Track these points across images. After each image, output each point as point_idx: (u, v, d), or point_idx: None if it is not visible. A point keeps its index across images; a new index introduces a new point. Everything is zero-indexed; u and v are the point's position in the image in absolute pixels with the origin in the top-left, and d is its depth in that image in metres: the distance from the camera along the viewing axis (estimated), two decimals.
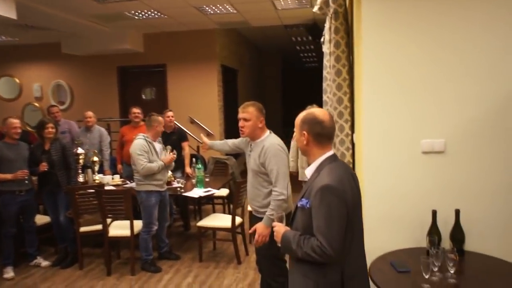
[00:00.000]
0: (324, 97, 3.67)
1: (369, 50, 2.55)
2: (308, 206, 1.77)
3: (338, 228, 1.70)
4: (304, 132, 1.83)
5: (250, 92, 10.80)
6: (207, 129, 7.72)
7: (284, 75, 13.75)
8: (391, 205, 2.55)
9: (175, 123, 5.62)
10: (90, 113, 5.51)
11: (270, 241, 2.00)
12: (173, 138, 5.24)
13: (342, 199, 1.71)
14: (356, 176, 1.88)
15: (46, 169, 4.12)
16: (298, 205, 1.85)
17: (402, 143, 2.53)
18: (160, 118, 4.19)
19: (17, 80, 8.51)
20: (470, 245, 2.34)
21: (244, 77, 10.02)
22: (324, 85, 3.65)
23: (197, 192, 4.45)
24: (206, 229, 4.38)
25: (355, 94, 3.14)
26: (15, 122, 4.11)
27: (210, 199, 5.60)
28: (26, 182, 4.12)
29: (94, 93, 8.15)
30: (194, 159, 5.41)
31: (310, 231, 1.76)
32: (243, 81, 9.83)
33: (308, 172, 1.88)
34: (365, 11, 2.52)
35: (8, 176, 3.95)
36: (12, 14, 4.66)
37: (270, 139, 2.88)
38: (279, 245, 1.89)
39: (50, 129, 4.23)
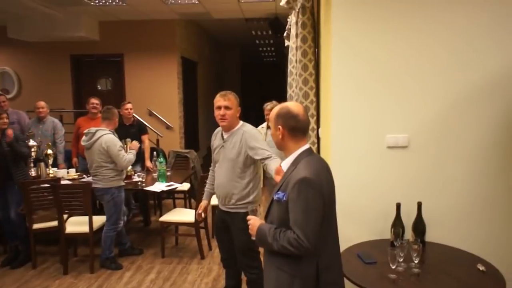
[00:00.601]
0: (290, 92, 3.70)
1: (337, 45, 2.58)
2: (284, 199, 1.77)
3: (315, 221, 1.72)
4: (279, 126, 1.83)
5: (209, 85, 10.69)
6: (167, 122, 7.56)
7: (243, 68, 13.73)
8: (356, 198, 2.63)
9: (134, 116, 5.45)
10: (42, 103, 5.21)
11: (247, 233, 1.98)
12: (132, 131, 5.09)
13: (319, 192, 1.73)
14: (330, 170, 1.91)
15: None
16: (274, 198, 1.85)
17: (368, 138, 2.61)
18: (117, 111, 4.08)
19: None
20: (430, 235, 2.46)
21: (204, 69, 9.91)
22: (289, 79, 3.67)
23: (159, 187, 4.34)
24: (169, 224, 4.30)
25: (321, 89, 3.20)
26: None
27: (170, 193, 5.50)
28: None
29: (45, 82, 7.70)
30: (154, 153, 5.28)
31: (285, 224, 1.76)
32: (202, 74, 9.71)
33: (284, 165, 1.88)
34: (334, 5, 2.55)
35: None
36: None
37: (247, 126, 2.88)
38: (254, 238, 1.89)
39: (5, 120, 3.95)
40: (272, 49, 12.81)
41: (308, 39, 3.22)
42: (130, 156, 3.94)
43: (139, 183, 4.47)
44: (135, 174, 4.70)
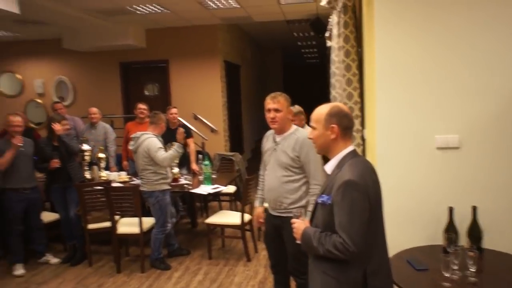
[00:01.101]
0: (333, 93, 3.65)
1: (381, 44, 2.53)
2: (329, 202, 1.75)
3: (361, 224, 1.68)
4: (333, 125, 1.79)
5: (252, 87, 10.77)
6: (211, 125, 7.70)
7: (285, 71, 13.70)
8: (405, 201, 2.55)
9: (179, 120, 5.59)
10: (94, 110, 5.49)
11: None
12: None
13: (365, 194, 1.69)
14: (376, 171, 1.86)
15: (58, 166, 4.11)
16: (319, 201, 1.84)
17: (416, 139, 2.53)
18: (163, 116, 4.21)
19: (19, 77, 8.45)
20: (487, 242, 2.33)
21: (246, 72, 9.99)
22: (333, 80, 3.62)
23: (205, 189, 4.43)
24: (215, 226, 4.37)
25: (366, 89, 3.13)
26: (16, 120, 4.05)
27: (217, 196, 5.59)
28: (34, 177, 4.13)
29: (96, 89, 8.10)
30: (200, 156, 5.39)
31: (330, 227, 1.74)
32: (245, 77, 9.79)
33: (329, 168, 1.86)
34: (377, 4, 2.50)
35: (8, 154, 3.89)
36: (14, 9, 4.60)
37: (302, 132, 2.79)
38: (299, 242, 1.88)
39: (66, 126, 4.22)
40: (315, 50, 12.70)
41: (351, 39, 3.17)
42: (170, 153, 3.95)
43: (186, 185, 4.59)
44: (182, 177, 4.83)
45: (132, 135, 4.14)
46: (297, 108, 4.16)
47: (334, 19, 3.49)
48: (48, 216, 4.54)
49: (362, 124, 3.23)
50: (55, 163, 4.10)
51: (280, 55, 13.19)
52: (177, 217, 5.39)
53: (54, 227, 4.50)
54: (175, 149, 4.02)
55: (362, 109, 3.23)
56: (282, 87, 13.34)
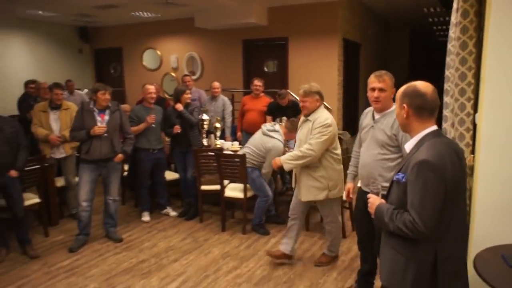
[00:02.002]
0: (447, 72, 3.41)
1: (496, 19, 2.29)
2: (403, 180, 1.76)
3: (433, 205, 1.66)
4: (404, 105, 1.80)
5: (373, 66, 10.31)
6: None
7: (412, 50, 12.77)
8: (504, 193, 2.33)
9: (291, 95, 5.76)
10: (216, 84, 6.01)
11: None
12: (288, 112, 5.41)
13: (440, 176, 1.66)
14: (463, 154, 1.78)
15: (179, 131, 4.68)
16: (394, 178, 1.85)
17: None
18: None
19: (159, 52, 9.60)
20: None
21: (367, 51, 9.64)
22: (448, 59, 3.37)
23: None
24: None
25: (482, 70, 2.86)
26: (151, 88, 4.74)
27: None
28: (161, 140, 4.80)
29: (221, 65, 8.78)
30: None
31: (404, 206, 1.76)
32: (365, 56, 9.48)
33: (408, 146, 1.86)
34: None
35: (141, 125, 4.62)
36: None
37: None
38: (373, 216, 1.93)
39: (189, 95, 4.78)
40: (448, 27, 11.53)
41: (470, 13, 2.91)
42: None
43: None
44: (289, 150, 5.03)
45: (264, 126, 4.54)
46: (306, 86, 3.63)
47: None
48: (170, 175, 5.22)
49: (475, 107, 2.98)
50: (177, 129, 4.68)
51: (407, 33, 12.31)
52: (283, 188, 5.68)
53: (174, 185, 5.17)
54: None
55: (476, 92, 2.97)
56: (408, 67, 12.52)
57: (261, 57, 8.53)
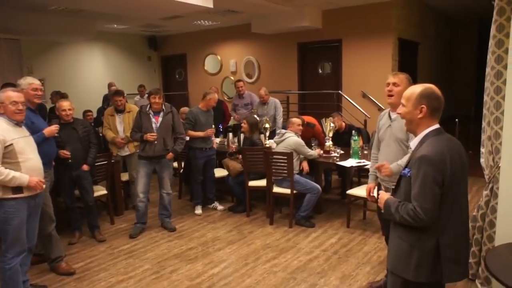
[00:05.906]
0: (488, 70, 3.35)
1: None
2: (408, 175, 1.92)
3: (432, 196, 1.81)
4: (423, 106, 1.93)
5: (434, 66, 10.01)
6: (379, 104, 7.68)
7: (479, 51, 12.02)
8: None
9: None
10: (262, 92, 6.49)
11: None
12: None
13: (439, 170, 1.81)
14: (463, 151, 1.90)
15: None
16: (401, 174, 2.01)
17: None
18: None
19: (219, 57, 10.15)
20: None
21: (427, 50, 9.34)
22: (488, 57, 3.33)
23: (350, 162, 4.69)
24: (356, 198, 4.60)
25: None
26: (216, 97, 5.20)
27: (362, 170, 5.68)
28: (212, 140, 5.18)
29: (277, 68, 9.07)
30: (353, 131, 5.59)
31: (409, 198, 1.90)
32: (425, 55, 9.19)
33: (413, 144, 2.00)
34: None
35: (201, 133, 5.02)
36: (209, 4, 5.68)
37: None
38: (382, 211, 2.08)
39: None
40: None
41: (507, 11, 2.89)
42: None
43: (335, 157, 4.93)
44: (336, 151, 5.17)
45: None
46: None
47: None
48: (219, 172, 5.59)
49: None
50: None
51: (475, 31, 11.65)
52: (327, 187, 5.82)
53: (223, 182, 5.51)
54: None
55: None
56: (475, 69, 11.82)
57: (316, 59, 8.68)
